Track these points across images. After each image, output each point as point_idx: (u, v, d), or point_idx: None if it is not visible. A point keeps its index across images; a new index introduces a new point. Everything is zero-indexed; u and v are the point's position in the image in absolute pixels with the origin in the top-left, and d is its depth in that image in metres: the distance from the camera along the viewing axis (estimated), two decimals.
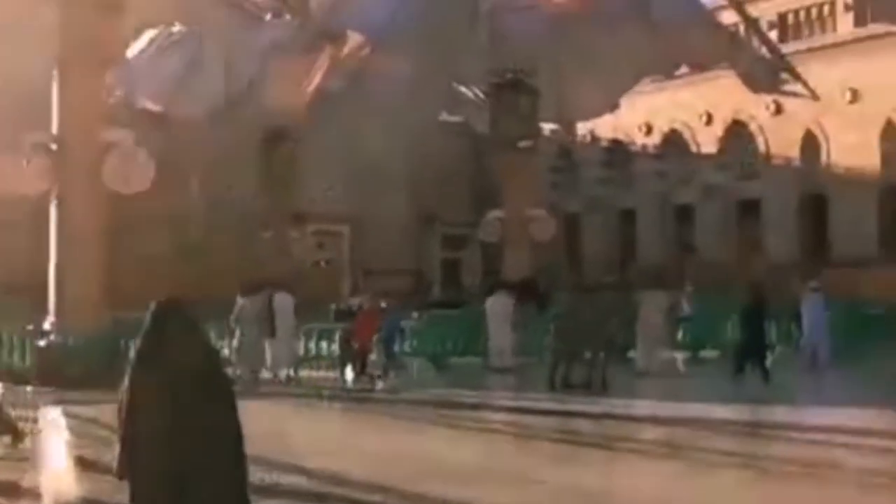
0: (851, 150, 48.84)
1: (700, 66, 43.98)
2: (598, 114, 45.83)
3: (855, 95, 48.74)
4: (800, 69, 47.24)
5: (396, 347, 26.40)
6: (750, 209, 53.50)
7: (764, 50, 41.96)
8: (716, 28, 39.55)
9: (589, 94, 43.55)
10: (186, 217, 50.84)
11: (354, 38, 38.40)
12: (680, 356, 29.90)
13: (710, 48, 39.62)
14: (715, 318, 31.63)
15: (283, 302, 25.11)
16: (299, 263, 50.22)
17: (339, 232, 55.95)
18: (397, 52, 37.43)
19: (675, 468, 13.26)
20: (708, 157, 54.65)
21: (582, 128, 56.88)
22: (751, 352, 23.88)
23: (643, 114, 55.26)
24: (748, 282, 35.43)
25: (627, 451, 14.74)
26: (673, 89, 52.60)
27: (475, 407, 20.26)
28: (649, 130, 56.85)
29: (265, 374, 25.07)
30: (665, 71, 45.33)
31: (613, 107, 44.47)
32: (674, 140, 56.23)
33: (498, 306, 27.34)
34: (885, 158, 48.32)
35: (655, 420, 17.62)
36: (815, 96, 40.58)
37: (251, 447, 6.99)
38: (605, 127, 56.61)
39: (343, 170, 53.83)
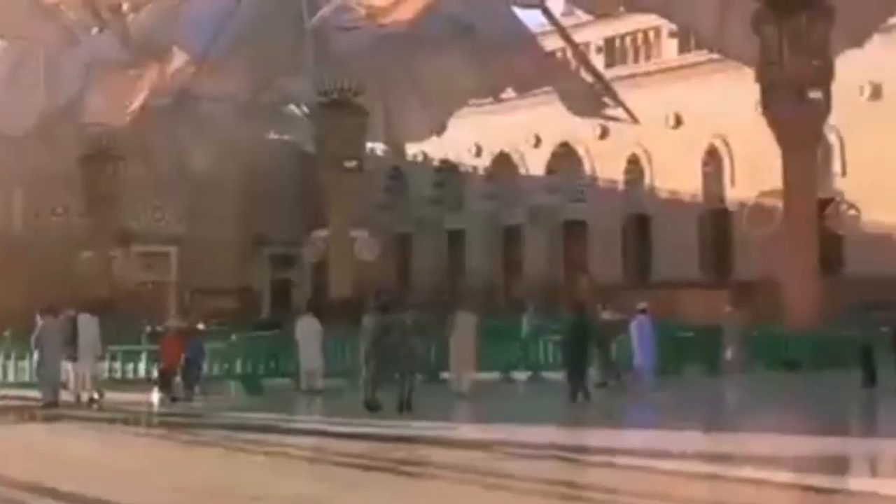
0: (674, 173, 49.87)
1: (525, 89, 44.36)
2: (424, 136, 46.02)
3: (678, 120, 49.83)
4: (626, 94, 48.05)
5: (205, 369, 26.08)
6: (576, 230, 54.27)
7: (587, 75, 42.56)
8: (540, 52, 40.02)
9: (415, 115, 43.80)
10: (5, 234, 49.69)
11: (180, 57, 37.91)
12: (522, 377, 30.16)
13: (533, 72, 40.08)
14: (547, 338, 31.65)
15: (87, 323, 24.58)
16: (123, 284, 49.35)
17: (167, 252, 55.15)
18: (223, 71, 37.07)
19: (460, 491, 13.21)
20: (536, 178, 55.27)
21: (414, 148, 57.01)
22: (577, 372, 24.04)
23: (474, 135, 55.67)
24: (573, 303, 35.86)
25: (416, 476, 14.64)
26: (503, 112, 53.03)
27: (275, 430, 19.98)
28: (479, 152, 57.28)
29: (66, 397, 24.50)
30: (490, 94, 45.68)
31: (440, 129, 44.67)
32: (503, 162, 56.76)
33: (307, 328, 27.15)
34: (707, 182, 49.49)
35: (453, 443, 17.56)
36: (635, 121, 41.29)
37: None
38: (436, 148, 56.85)
39: (171, 189, 53.12)
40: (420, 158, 58.48)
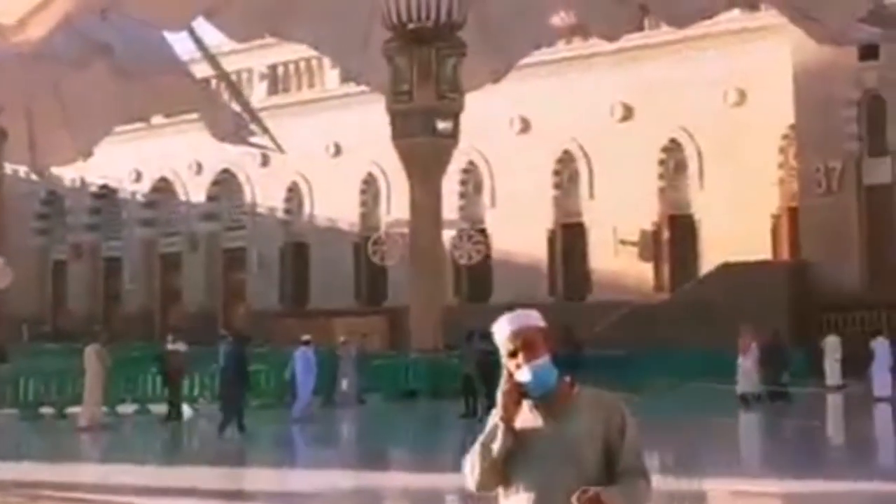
0: (333, 201, 50.01)
1: (170, 114, 43.62)
2: (71, 159, 44.50)
3: (338, 149, 50.04)
4: (288, 121, 48.13)
5: None
6: (236, 258, 53.76)
7: (234, 102, 42.13)
8: (185, 77, 39.30)
9: (61, 138, 42.30)
10: None
11: None
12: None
13: (178, 97, 39.32)
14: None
15: None
16: None
17: None
18: None
19: None
20: (196, 205, 54.47)
21: (72, 173, 55.29)
22: (232, 402, 23.19)
23: (134, 160, 54.52)
24: (232, 330, 35.20)
25: None
26: (164, 137, 52.14)
27: None
28: (139, 177, 56.10)
29: None
30: (136, 118, 44.63)
31: (87, 153, 43.28)
32: (164, 188, 55.74)
33: None
34: (364, 212, 49.84)
35: None
36: (280, 150, 41.10)
37: None
38: (95, 172, 55.36)
39: None
40: (78, 183, 56.84)
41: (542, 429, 4.58)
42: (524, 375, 4.54)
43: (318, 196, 51.10)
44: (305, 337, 27.51)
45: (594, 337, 35.48)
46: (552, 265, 46.24)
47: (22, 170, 49.97)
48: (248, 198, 53.29)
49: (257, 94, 52.57)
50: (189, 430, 26.15)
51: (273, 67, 53.24)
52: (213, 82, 45.08)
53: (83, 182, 56.73)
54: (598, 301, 42.84)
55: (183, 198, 55.11)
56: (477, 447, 4.62)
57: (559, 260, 46.31)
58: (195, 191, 54.71)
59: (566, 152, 45.44)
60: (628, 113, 43.89)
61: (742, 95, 41.47)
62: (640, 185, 43.00)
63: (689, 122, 42.22)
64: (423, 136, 32.08)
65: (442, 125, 31.86)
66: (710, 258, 40.95)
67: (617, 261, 43.96)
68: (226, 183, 54.13)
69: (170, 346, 27.06)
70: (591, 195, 45.01)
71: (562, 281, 46.18)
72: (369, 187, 49.82)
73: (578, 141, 44.79)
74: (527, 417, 4.60)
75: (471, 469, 4.63)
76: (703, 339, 32.26)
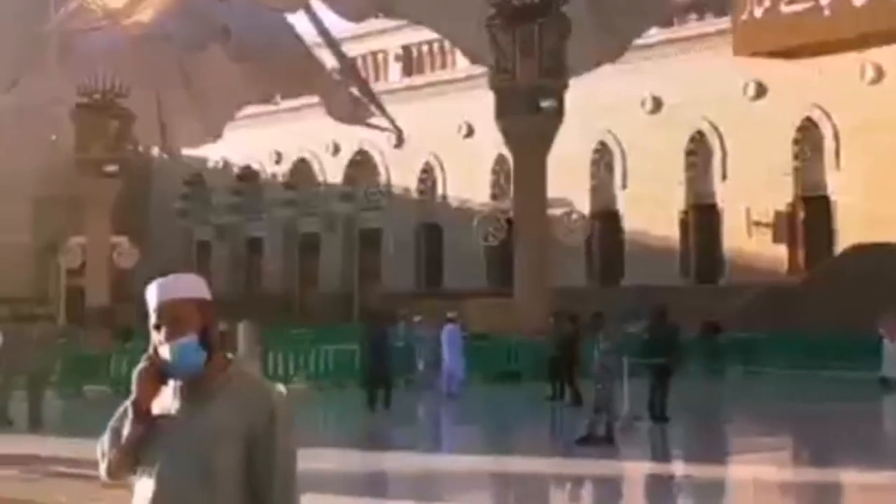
0: (465, 183, 49.80)
1: (292, 94, 44.02)
2: (201, 141, 45.28)
3: (471, 130, 49.72)
4: (421, 102, 48.21)
5: None
6: (372, 238, 54.03)
7: (352, 84, 42.22)
8: (304, 59, 39.54)
9: (191, 120, 43.04)
10: None
11: None
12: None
13: (297, 78, 39.63)
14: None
15: None
16: None
17: None
18: None
19: None
20: (334, 186, 54.90)
21: (215, 154, 56.31)
22: (378, 380, 23.80)
23: (274, 142, 55.23)
24: (369, 311, 35.55)
25: None
26: (303, 119, 52.57)
27: None
28: (279, 159, 56.75)
29: None
30: (261, 99, 45.12)
31: (216, 135, 43.97)
32: (302, 169, 56.30)
33: None
34: (495, 193, 49.50)
35: None
36: (397, 131, 41.08)
37: None
38: (237, 154, 56.34)
39: None
40: (221, 165, 57.86)
41: (176, 415, 3.97)
42: (164, 353, 3.97)
43: (450, 177, 50.96)
44: (451, 314, 27.73)
45: (727, 320, 34.51)
46: (684, 247, 45.26)
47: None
48: (383, 179, 53.45)
49: (392, 75, 52.69)
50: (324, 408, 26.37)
51: (407, 49, 53.26)
52: (332, 63, 45.17)
53: (226, 164, 57.69)
54: (732, 283, 41.86)
55: (321, 179, 55.56)
56: (107, 432, 4.04)
57: (692, 242, 45.31)
58: (332, 172, 55.14)
59: (699, 132, 44.38)
60: (762, 91, 42.58)
61: (879, 72, 39.83)
62: (774, 166, 41.73)
63: (825, 100, 40.75)
64: (527, 115, 31.54)
65: (545, 103, 31.26)
66: (846, 240, 39.60)
67: (750, 243, 42.83)
68: (362, 164, 54.38)
69: None
70: (724, 176, 43.86)
71: (694, 263, 45.20)
72: (501, 168, 49.40)
73: (711, 120, 43.68)
74: (166, 400, 4.00)
75: (101, 455, 4.04)
76: (838, 322, 31.08)
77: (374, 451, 19.09)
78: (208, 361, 3.98)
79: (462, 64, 50.73)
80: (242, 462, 3.91)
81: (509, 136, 32.61)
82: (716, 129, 43.67)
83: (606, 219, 46.67)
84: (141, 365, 4.00)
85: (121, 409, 4.03)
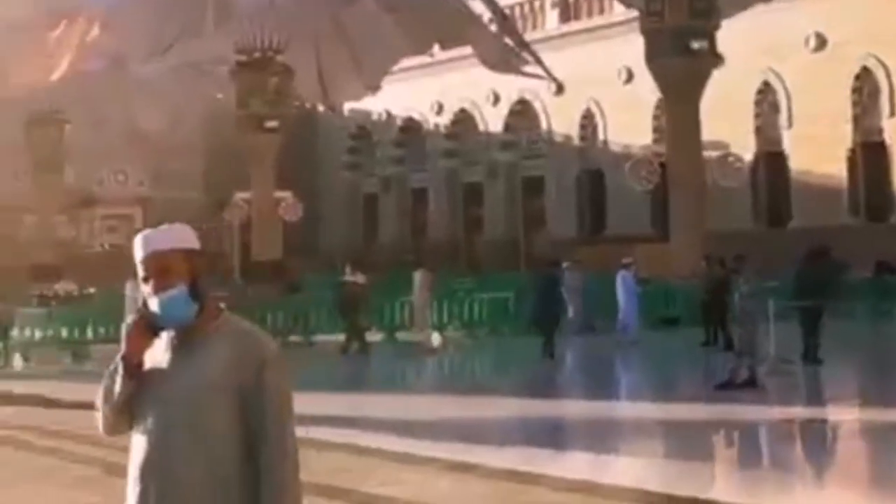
0: (626, 128, 49.36)
1: (447, 46, 44.07)
2: (360, 95, 45.78)
3: (630, 75, 49.18)
4: (580, 48, 47.98)
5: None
6: (534, 186, 54.07)
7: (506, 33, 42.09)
8: (456, 9, 39.59)
9: (349, 74, 43.53)
10: None
11: (86, 17, 37.97)
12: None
13: (450, 29, 39.72)
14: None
15: None
16: (74, 248, 49.65)
17: (130, 214, 55.37)
18: (124, 32, 37.07)
19: None
20: (495, 135, 55.02)
21: (378, 107, 56.90)
22: (547, 327, 23.97)
23: (435, 93, 55.55)
24: (535, 258, 35.78)
25: None
26: (462, 69, 52.69)
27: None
28: (440, 110, 57.02)
29: None
30: (419, 51, 45.29)
31: (374, 89, 44.42)
32: (464, 119, 56.51)
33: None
34: (655, 138, 48.92)
35: None
36: (553, 79, 40.88)
37: None
38: (399, 106, 56.88)
39: (129, 152, 53.30)
40: (384, 117, 58.46)
41: (167, 368, 3.93)
42: (154, 306, 3.93)
43: (611, 122, 50.59)
44: (626, 260, 27.84)
45: None
46: (853, 186, 44.11)
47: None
48: (543, 126, 53.33)
49: (549, 22, 52.45)
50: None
51: None
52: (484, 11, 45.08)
53: (389, 116, 58.26)
54: None
55: (482, 128, 55.72)
56: (101, 387, 4.01)
57: (860, 180, 44.16)
58: (493, 121, 55.20)
59: (864, 69, 43.11)
60: None
61: None
62: None
63: None
64: (677, 57, 31.12)
65: (696, 44, 30.79)
66: None
67: None
68: (522, 113, 54.33)
69: (348, 278, 27.33)
70: (892, 112, 42.62)
71: (863, 202, 44.06)
72: (662, 112, 48.57)
73: (877, 56, 42.40)
74: (158, 353, 3.96)
75: (98, 410, 4.03)
76: None
77: (538, 399, 19.15)
78: (200, 312, 3.95)
79: (619, 9, 50.28)
80: (235, 413, 3.85)
81: (661, 79, 32.22)
82: (882, 64, 42.38)
83: (772, 160, 45.80)
84: (130, 318, 3.98)
85: (111, 365, 4.01)
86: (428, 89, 54.39)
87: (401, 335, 29.42)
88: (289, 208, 42.30)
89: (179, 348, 3.95)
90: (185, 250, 4.01)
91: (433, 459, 12.44)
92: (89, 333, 27.64)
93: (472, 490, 11.43)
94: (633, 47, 47.55)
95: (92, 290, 28.72)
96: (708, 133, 33.71)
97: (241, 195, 43.48)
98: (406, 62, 47.31)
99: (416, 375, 24.38)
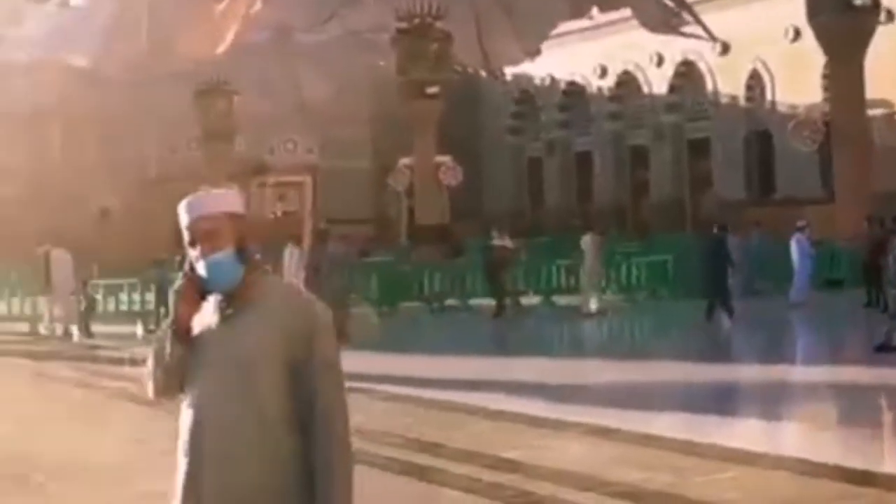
0: (794, 88, 48.27)
1: (606, 8, 43.62)
2: (519, 59, 45.67)
3: (797, 34, 48.05)
4: (743, 7, 47.04)
5: None
6: (700, 148, 53.31)
7: None
8: None
9: (508, 39, 43.49)
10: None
11: None
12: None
13: None
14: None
15: (60, 259, 25.51)
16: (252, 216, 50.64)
17: (300, 182, 56.20)
18: (286, 3, 37.64)
19: None
20: (660, 97, 54.36)
21: (541, 71, 56.68)
22: (716, 290, 23.93)
23: (598, 56, 55.06)
24: (701, 221, 35.40)
25: None
26: (625, 31, 52.14)
27: None
28: (604, 73, 56.54)
29: (42, 331, 25.67)
30: (577, 14, 44.91)
31: (534, 53, 44.29)
32: (627, 82, 55.95)
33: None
34: (827, 97, 47.72)
35: None
36: (714, 39, 40.16)
37: None
38: (562, 70, 56.58)
39: (298, 121, 54.11)
40: (548, 82, 58.22)
41: (215, 331, 3.94)
42: (201, 270, 3.94)
43: (779, 83, 49.50)
44: (801, 223, 27.87)
45: None
46: None
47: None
48: (709, 87, 52.46)
49: None
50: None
51: None
52: None
53: (552, 80, 58.00)
54: None
55: (646, 90, 55.09)
56: (151, 352, 4.06)
57: None
58: (657, 83, 54.47)
59: None
60: None
61: None
62: None
63: None
64: (839, 13, 30.33)
65: (859, 1, 29.95)
66: None
67: None
68: (686, 74, 53.52)
69: (495, 242, 27.26)
70: None
71: None
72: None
73: None
74: (206, 317, 3.97)
75: (148, 375, 4.06)
76: None
77: (704, 364, 19.02)
78: (246, 275, 3.96)
79: None
80: (284, 375, 3.86)
81: (822, 36, 31.43)
82: None
83: None
84: (178, 283, 4.00)
85: (159, 331, 4.06)
86: (590, 53, 53.92)
87: (557, 298, 29.40)
88: (448, 172, 42.52)
89: (227, 312, 3.96)
90: (232, 214, 3.99)
91: (579, 424, 12.35)
92: None
93: (637, 457, 10.90)
94: (798, 5, 46.76)
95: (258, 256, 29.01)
96: (872, 92, 32.79)
97: (404, 161, 43.93)
98: (565, 26, 47.05)
99: (571, 339, 24.38)
